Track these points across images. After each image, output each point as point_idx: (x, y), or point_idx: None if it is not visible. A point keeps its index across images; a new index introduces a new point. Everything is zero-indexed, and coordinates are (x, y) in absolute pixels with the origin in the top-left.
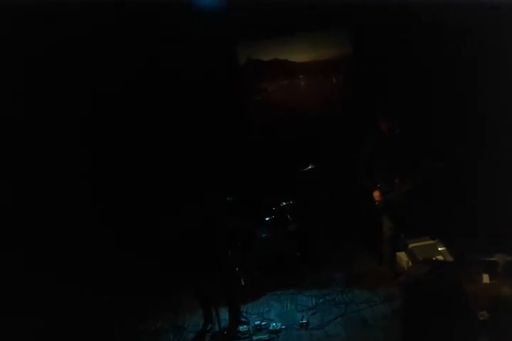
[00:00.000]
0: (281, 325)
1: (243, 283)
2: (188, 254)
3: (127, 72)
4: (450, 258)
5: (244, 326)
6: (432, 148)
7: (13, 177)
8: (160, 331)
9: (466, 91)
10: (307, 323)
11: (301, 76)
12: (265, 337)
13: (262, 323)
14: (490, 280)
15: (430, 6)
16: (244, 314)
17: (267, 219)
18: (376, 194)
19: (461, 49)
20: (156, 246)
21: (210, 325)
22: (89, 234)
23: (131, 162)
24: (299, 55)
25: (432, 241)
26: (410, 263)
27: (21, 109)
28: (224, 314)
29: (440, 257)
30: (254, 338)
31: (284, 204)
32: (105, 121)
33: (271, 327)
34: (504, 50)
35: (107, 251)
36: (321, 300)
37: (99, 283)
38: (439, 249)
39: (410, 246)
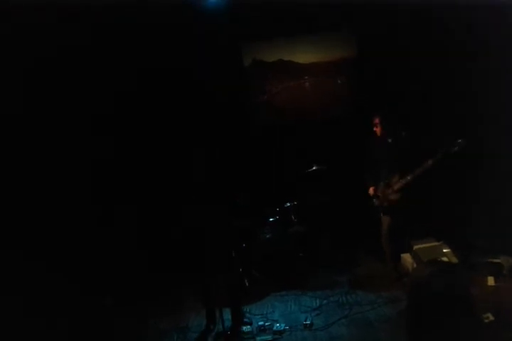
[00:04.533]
0: (285, 326)
1: (247, 284)
2: (192, 255)
3: (132, 73)
4: (455, 260)
5: (248, 326)
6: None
7: (15, 178)
8: (163, 331)
9: (466, 91)
10: (311, 324)
11: (305, 77)
12: (269, 337)
13: (266, 324)
14: (495, 282)
15: (431, 6)
16: (248, 314)
17: (271, 219)
18: (371, 190)
19: (462, 49)
20: (160, 246)
21: (213, 325)
22: (92, 234)
23: (135, 162)
24: (304, 55)
25: (436, 243)
26: (415, 265)
27: (23, 109)
28: (228, 314)
29: (445, 259)
30: (258, 339)
31: (288, 205)
32: (109, 119)
33: (275, 328)
34: (504, 50)
35: (109, 251)
36: (325, 301)
37: (102, 283)
38: (444, 250)
39: (415, 247)
